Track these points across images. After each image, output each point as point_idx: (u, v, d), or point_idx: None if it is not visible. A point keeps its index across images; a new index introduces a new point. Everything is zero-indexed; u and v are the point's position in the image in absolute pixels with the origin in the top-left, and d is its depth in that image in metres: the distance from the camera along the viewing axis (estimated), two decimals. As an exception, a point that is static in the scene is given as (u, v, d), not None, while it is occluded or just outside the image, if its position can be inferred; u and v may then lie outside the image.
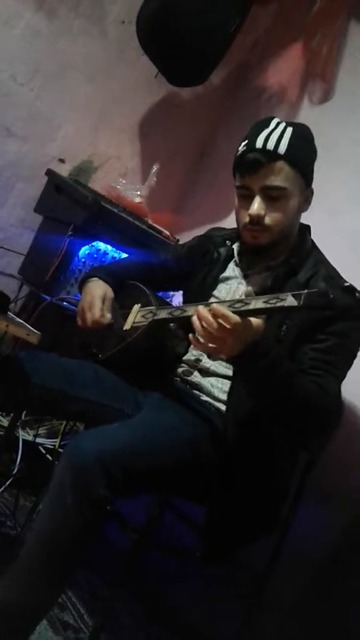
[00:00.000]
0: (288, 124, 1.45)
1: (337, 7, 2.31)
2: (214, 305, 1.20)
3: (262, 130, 1.43)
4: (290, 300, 1.14)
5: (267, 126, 1.44)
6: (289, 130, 1.43)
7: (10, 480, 1.92)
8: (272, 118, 1.47)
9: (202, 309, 1.21)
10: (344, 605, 1.64)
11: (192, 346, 1.58)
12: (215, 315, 1.18)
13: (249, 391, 1.37)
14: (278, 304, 1.15)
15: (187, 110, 2.68)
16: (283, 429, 1.44)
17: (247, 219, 1.45)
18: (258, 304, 1.17)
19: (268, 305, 1.16)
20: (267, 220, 1.44)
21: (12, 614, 1.18)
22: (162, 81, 2.42)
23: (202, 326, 1.20)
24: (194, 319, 1.23)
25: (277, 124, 1.44)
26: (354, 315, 1.28)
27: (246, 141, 1.45)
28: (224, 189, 2.57)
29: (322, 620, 1.67)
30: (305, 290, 1.13)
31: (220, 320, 1.18)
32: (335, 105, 2.30)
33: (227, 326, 1.17)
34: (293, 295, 1.14)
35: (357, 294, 1.08)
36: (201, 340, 1.22)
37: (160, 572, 2.01)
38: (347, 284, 1.10)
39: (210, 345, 1.22)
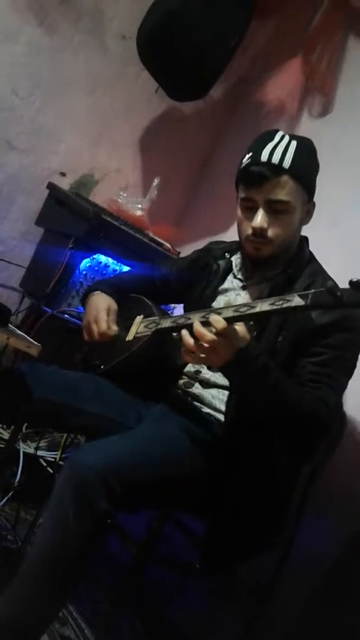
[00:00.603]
0: (292, 137, 1.46)
1: (335, 22, 2.33)
2: (213, 316, 1.22)
3: (267, 143, 1.44)
4: (297, 301, 1.13)
5: (272, 139, 1.45)
6: (293, 143, 1.44)
7: (11, 493, 1.92)
8: (276, 131, 1.48)
9: (196, 323, 1.24)
10: (350, 618, 1.62)
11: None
12: (205, 325, 1.22)
13: (241, 400, 1.38)
14: (285, 305, 1.15)
15: (188, 125, 2.70)
16: (282, 440, 1.43)
17: (249, 231, 1.46)
18: (264, 306, 1.17)
19: (275, 307, 1.15)
20: (270, 233, 1.44)
21: (13, 628, 1.18)
22: (163, 96, 2.44)
23: (193, 337, 1.23)
24: (184, 332, 1.25)
25: (282, 137, 1.46)
26: None
27: (250, 153, 1.46)
28: (224, 202, 2.59)
29: (326, 634, 1.65)
30: (312, 290, 1.12)
31: (210, 328, 1.20)
32: (335, 118, 2.32)
33: (215, 331, 1.20)
34: (300, 296, 1.13)
35: None
36: (190, 352, 1.24)
37: (162, 586, 2.00)
38: (355, 279, 1.08)
39: (200, 355, 1.23)
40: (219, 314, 1.32)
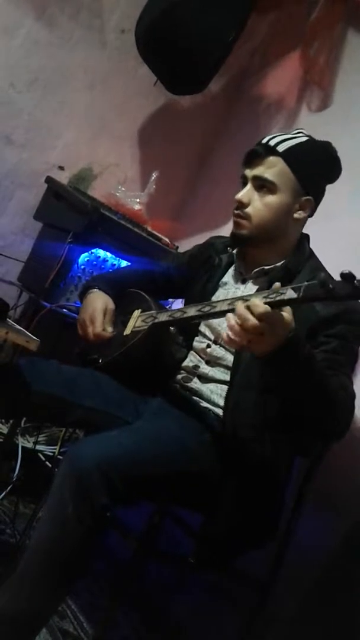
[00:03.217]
0: (307, 136, 1.51)
1: (334, 16, 2.33)
2: (253, 299, 1.14)
3: (279, 133, 1.51)
4: (289, 294, 1.13)
5: (287, 132, 1.51)
6: (303, 139, 1.49)
7: (9, 487, 1.92)
8: (299, 129, 1.54)
9: (239, 304, 1.15)
10: (348, 615, 1.63)
11: (190, 352, 1.59)
12: (249, 309, 1.13)
13: (283, 387, 1.29)
14: (278, 298, 1.15)
15: (186, 118, 2.70)
16: (294, 431, 1.43)
17: (234, 205, 1.50)
18: (257, 299, 1.15)
19: (268, 300, 1.15)
20: (250, 209, 1.48)
21: (12, 622, 1.18)
22: (161, 89, 2.43)
23: (237, 322, 1.14)
24: (229, 315, 1.16)
25: (297, 133, 1.51)
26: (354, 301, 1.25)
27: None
28: (223, 195, 2.58)
29: (325, 630, 1.66)
30: (305, 282, 1.12)
31: (254, 314, 1.12)
32: (333, 113, 2.31)
33: (257, 316, 1.11)
34: (292, 289, 1.14)
35: (355, 282, 1.06)
36: (235, 337, 1.15)
37: (161, 581, 2.01)
38: (346, 271, 1.07)
39: (245, 341, 1.14)
40: (214, 307, 1.32)
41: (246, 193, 1.49)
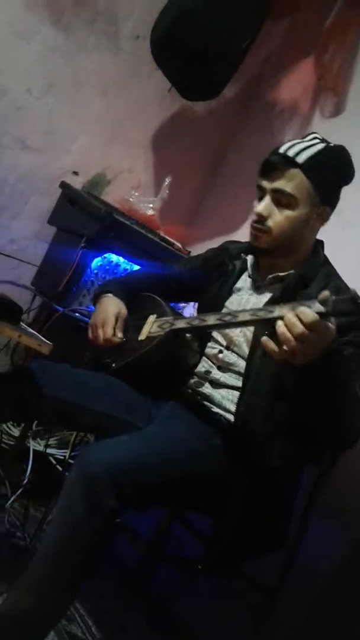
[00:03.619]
0: (323, 141, 1.50)
1: (349, 22, 2.33)
2: (301, 308, 1.11)
3: (295, 140, 1.49)
4: (317, 307, 1.10)
5: (303, 138, 1.50)
6: (320, 146, 1.47)
7: (20, 490, 1.93)
8: (312, 133, 1.52)
9: (288, 312, 1.12)
10: (357, 622, 1.62)
11: (203, 357, 1.59)
12: (298, 318, 1.10)
13: (310, 396, 1.25)
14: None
15: (200, 124, 2.70)
16: (306, 438, 1.41)
17: (253, 217, 1.49)
18: (283, 311, 1.14)
19: (297, 312, 1.12)
20: (270, 222, 1.47)
21: (21, 624, 1.18)
22: (175, 95, 2.44)
23: (288, 331, 1.11)
24: (279, 323, 1.13)
25: (312, 139, 1.49)
26: None
27: (276, 147, 1.51)
28: (235, 202, 2.59)
29: (333, 637, 1.65)
30: (334, 297, 1.10)
31: (304, 323, 1.09)
32: (347, 119, 2.31)
33: (307, 325, 1.09)
34: (320, 302, 1.10)
35: None
36: (285, 346, 1.12)
37: (169, 585, 2.00)
38: None
39: (292, 350, 1.11)
40: (235, 317, 1.31)
41: (266, 206, 1.47)
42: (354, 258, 1.90)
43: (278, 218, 1.47)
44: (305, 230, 1.51)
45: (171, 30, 2.19)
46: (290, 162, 1.44)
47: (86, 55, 2.35)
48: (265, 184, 1.48)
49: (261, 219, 1.47)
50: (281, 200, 1.46)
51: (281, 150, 1.47)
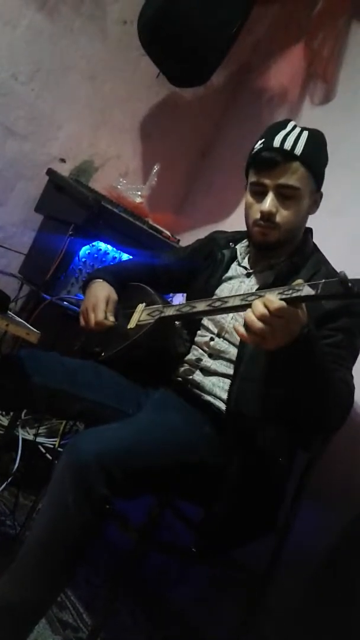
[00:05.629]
0: (303, 128, 1.50)
1: (338, 8, 2.31)
2: (268, 295, 1.13)
3: (279, 131, 1.48)
4: (307, 290, 1.12)
5: (284, 128, 1.49)
6: (305, 133, 1.48)
7: (10, 479, 1.93)
8: (288, 120, 1.52)
9: (256, 301, 1.14)
10: (346, 608, 1.63)
11: (193, 345, 1.59)
12: (264, 304, 1.12)
13: (289, 381, 1.29)
14: (294, 294, 1.14)
15: (188, 111, 2.68)
16: (295, 424, 1.42)
17: (258, 215, 1.48)
18: (272, 296, 1.14)
19: (283, 297, 1.14)
20: (278, 218, 1.47)
21: (12, 612, 1.18)
22: (164, 81, 2.42)
23: (256, 317, 1.13)
24: (248, 311, 1.15)
25: (294, 127, 1.49)
26: None
27: (263, 140, 1.49)
28: (224, 189, 2.58)
29: (323, 622, 1.66)
30: (323, 280, 1.11)
31: (270, 309, 1.11)
32: (337, 106, 2.30)
33: (272, 311, 1.11)
34: (310, 285, 1.12)
35: None
36: (252, 330, 1.14)
37: (161, 572, 2.01)
38: None
39: (262, 335, 1.13)
40: (225, 302, 1.32)
41: (272, 203, 1.46)
42: (343, 245, 1.90)
43: (285, 213, 1.47)
44: (305, 218, 1.53)
45: (159, 15, 2.16)
46: (290, 155, 1.44)
47: (73, 40, 2.32)
48: (268, 181, 1.46)
49: (270, 216, 1.46)
50: (286, 194, 1.46)
51: (275, 144, 1.45)
